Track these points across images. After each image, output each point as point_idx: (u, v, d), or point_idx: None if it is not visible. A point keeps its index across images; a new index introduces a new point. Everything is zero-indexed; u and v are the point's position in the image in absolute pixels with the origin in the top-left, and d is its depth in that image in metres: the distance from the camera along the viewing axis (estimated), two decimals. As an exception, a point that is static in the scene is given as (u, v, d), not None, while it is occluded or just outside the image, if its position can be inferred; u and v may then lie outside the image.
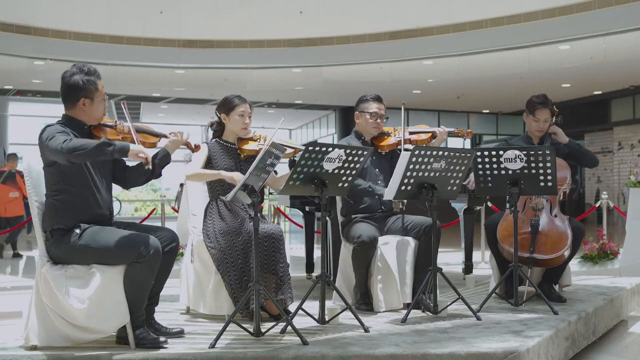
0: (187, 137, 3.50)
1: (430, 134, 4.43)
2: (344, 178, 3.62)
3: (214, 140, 4.09)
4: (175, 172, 3.97)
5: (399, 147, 4.38)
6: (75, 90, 3.26)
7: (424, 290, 3.90)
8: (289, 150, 3.95)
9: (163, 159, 3.37)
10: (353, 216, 4.29)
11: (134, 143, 3.26)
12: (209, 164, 3.97)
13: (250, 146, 4.02)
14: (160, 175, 3.42)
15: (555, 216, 4.32)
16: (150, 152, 3.38)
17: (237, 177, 3.71)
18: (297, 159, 3.70)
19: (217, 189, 3.97)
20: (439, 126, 4.58)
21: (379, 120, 4.41)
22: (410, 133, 4.43)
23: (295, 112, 20.22)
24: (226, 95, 4.10)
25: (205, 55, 13.20)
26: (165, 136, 3.48)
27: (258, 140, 4.07)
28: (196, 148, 3.64)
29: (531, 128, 4.60)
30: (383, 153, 4.48)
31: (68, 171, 3.19)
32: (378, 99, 4.46)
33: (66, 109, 3.31)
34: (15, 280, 7.37)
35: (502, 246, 4.28)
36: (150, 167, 3.14)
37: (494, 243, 4.39)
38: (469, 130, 4.59)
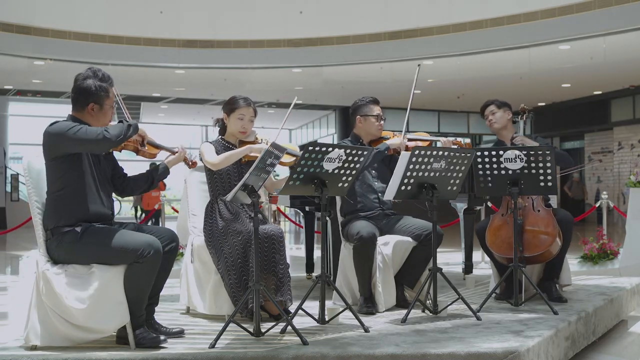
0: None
1: (428, 143, 4.43)
2: (344, 178, 3.62)
3: (218, 138, 4.10)
4: (176, 172, 4.02)
5: (396, 152, 4.38)
6: (86, 95, 3.27)
7: (422, 289, 3.90)
8: (290, 159, 3.93)
9: (163, 173, 3.58)
10: (352, 215, 4.30)
11: (136, 151, 3.47)
12: None
13: (252, 152, 3.98)
14: (156, 186, 3.63)
15: (539, 211, 4.32)
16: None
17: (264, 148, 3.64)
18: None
19: (218, 188, 3.96)
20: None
21: (382, 122, 4.46)
22: (410, 140, 4.44)
23: (295, 112, 20.21)
24: (234, 95, 4.07)
25: (205, 55, 13.20)
26: (165, 149, 3.59)
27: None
28: (192, 165, 3.74)
29: (489, 128, 4.81)
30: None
31: (72, 167, 3.20)
32: (376, 101, 4.52)
33: (74, 110, 3.32)
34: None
35: (492, 252, 4.31)
36: (144, 150, 3.44)
37: (486, 248, 4.40)
38: (467, 142, 4.65)
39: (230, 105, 4.02)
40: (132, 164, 3.79)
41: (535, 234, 4.23)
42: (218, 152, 3.97)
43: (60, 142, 3.15)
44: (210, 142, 4.02)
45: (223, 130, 4.11)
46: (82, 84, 3.28)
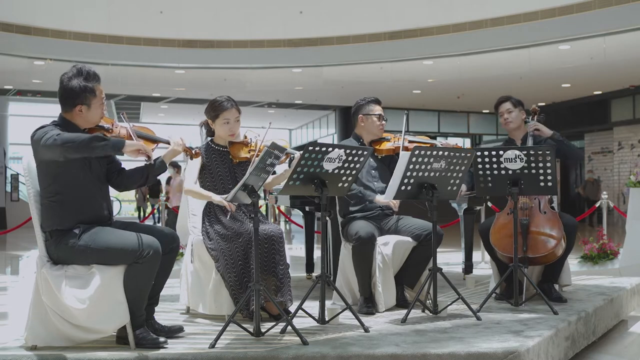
0: (186, 144, 3.46)
1: (429, 145, 4.42)
2: (344, 178, 3.62)
3: (206, 143, 4.06)
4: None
5: (396, 152, 4.38)
6: (71, 96, 3.20)
7: (421, 289, 3.90)
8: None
9: (159, 168, 3.40)
10: (351, 216, 4.30)
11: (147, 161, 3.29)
12: (203, 170, 3.95)
13: (242, 153, 3.97)
14: (154, 181, 3.46)
15: (545, 213, 4.32)
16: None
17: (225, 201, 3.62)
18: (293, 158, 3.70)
19: (210, 189, 3.94)
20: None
21: (383, 122, 4.48)
22: (410, 142, 4.44)
23: (295, 112, 20.23)
24: (215, 98, 3.99)
25: (205, 55, 13.21)
26: (163, 141, 3.44)
27: (250, 144, 4.01)
28: (196, 155, 3.60)
29: (501, 124, 4.77)
30: (379, 157, 4.49)
31: (61, 173, 3.16)
32: (378, 101, 4.53)
33: (63, 111, 3.27)
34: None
35: (496, 250, 4.30)
36: (152, 161, 3.24)
37: (489, 246, 4.40)
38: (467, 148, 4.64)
39: (213, 112, 3.96)
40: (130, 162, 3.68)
41: (541, 235, 4.22)
42: (208, 157, 3.96)
43: (39, 151, 3.12)
44: (198, 148, 3.96)
45: (211, 132, 4.08)
46: (68, 85, 3.20)
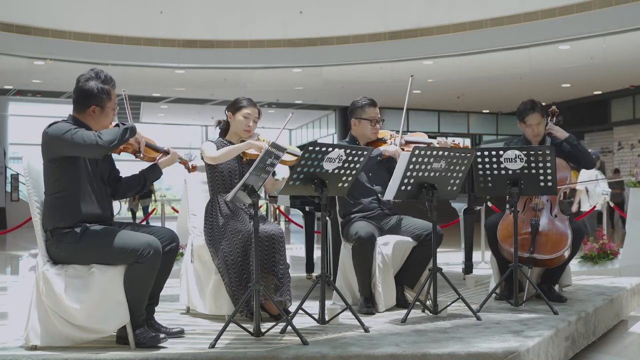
0: (181, 156, 3.62)
1: (426, 145, 4.39)
2: (344, 178, 3.62)
3: (219, 138, 4.13)
4: (176, 172, 4.04)
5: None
6: (87, 97, 3.26)
7: (421, 289, 3.90)
8: (291, 158, 3.96)
9: (155, 173, 3.52)
10: (351, 216, 4.30)
11: (138, 154, 3.47)
12: (212, 165, 3.97)
13: (252, 150, 4.00)
14: (149, 187, 3.55)
15: (556, 216, 4.32)
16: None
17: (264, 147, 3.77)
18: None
19: (219, 186, 3.98)
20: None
21: (377, 125, 4.41)
22: (407, 142, 4.41)
23: (295, 112, 20.23)
24: (238, 97, 4.14)
25: (205, 55, 13.21)
26: (165, 152, 3.56)
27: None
28: (193, 169, 3.72)
29: (527, 135, 4.55)
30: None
31: (69, 169, 3.20)
32: (373, 104, 4.42)
33: (75, 111, 3.31)
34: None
35: (502, 246, 4.28)
36: (142, 155, 3.44)
37: (494, 243, 4.39)
38: (465, 145, 4.58)
39: (235, 105, 4.09)
40: (132, 164, 3.76)
41: (549, 238, 4.22)
42: None
43: (57, 145, 3.15)
44: (213, 141, 4.05)
45: (224, 132, 4.14)
46: (84, 86, 3.26)
